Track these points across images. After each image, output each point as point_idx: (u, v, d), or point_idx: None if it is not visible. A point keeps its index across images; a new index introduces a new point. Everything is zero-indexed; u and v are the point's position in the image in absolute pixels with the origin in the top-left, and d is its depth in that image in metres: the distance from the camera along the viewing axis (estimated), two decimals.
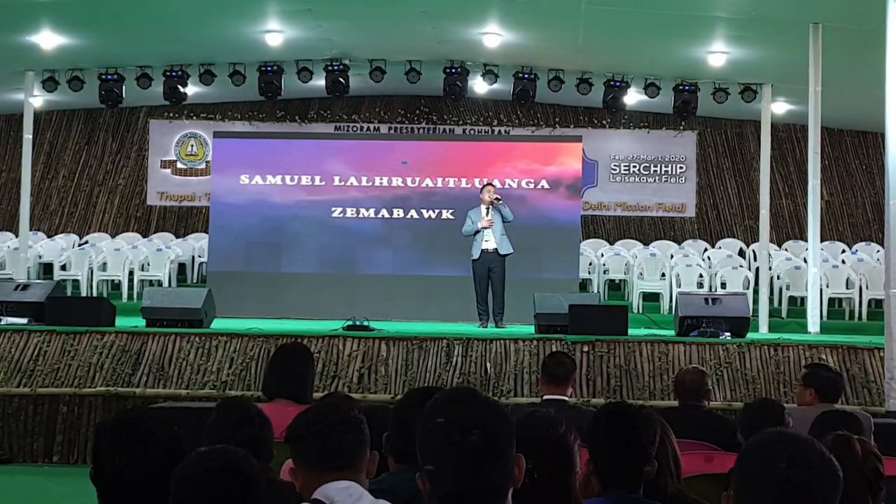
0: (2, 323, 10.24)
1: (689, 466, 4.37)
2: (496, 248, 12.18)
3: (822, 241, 14.04)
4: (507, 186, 14.83)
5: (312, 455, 2.95)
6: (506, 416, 2.23)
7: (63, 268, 15.83)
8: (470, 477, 2.14)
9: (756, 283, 14.78)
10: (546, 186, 15.22)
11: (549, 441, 2.73)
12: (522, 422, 2.76)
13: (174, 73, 15.82)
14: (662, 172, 18.62)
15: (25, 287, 11.12)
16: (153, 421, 2.95)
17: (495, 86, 16.47)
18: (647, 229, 18.40)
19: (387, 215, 15.34)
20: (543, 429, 2.75)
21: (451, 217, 14.91)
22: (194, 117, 18.63)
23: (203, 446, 2.75)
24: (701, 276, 15.29)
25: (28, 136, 15.55)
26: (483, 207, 12.29)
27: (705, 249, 17.13)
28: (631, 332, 10.24)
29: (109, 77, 15.74)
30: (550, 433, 2.75)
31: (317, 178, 15.44)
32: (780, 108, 16.81)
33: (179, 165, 18.80)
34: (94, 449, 2.87)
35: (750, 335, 10.49)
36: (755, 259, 16.22)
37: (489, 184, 12.84)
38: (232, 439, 3.34)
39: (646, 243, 17.37)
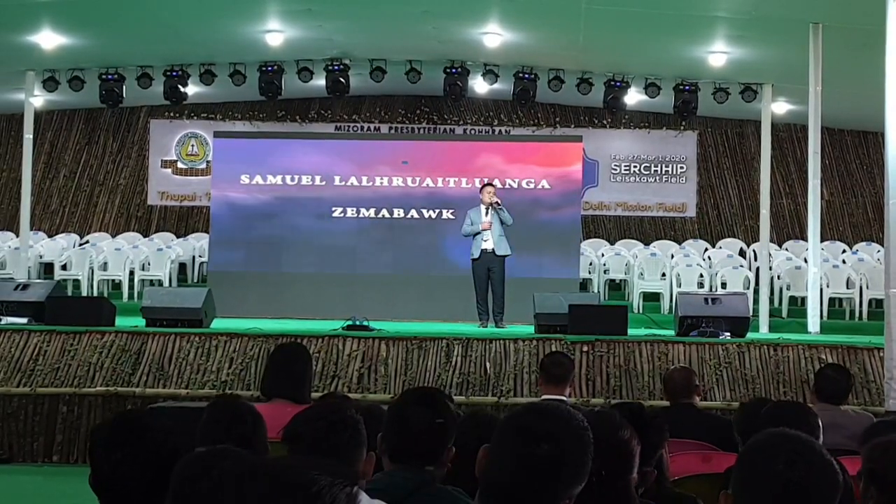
0: (2, 322, 10.25)
1: (686, 466, 4.38)
2: (494, 249, 12.18)
3: (822, 240, 14.05)
4: (507, 186, 14.83)
5: (309, 454, 2.96)
6: (585, 441, 2.25)
7: (63, 267, 15.84)
8: (523, 484, 2.18)
9: (756, 283, 14.77)
10: (546, 186, 15.22)
11: (615, 443, 2.72)
12: (588, 421, 2.77)
13: (175, 73, 15.83)
14: (663, 172, 18.62)
15: (26, 287, 11.12)
16: (147, 416, 2.96)
17: (496, 86, 16.47)
18: (647, 229, 18.41)
19: (387, 215, 15.34)
20: (610, 430, 2.73)
21: (451, 217, 14.92)
22: (195, 117, 18.64)
23: (197, 446, 2.76)
24: (701, 275, 15.28)
25: (29, 136, 15.56)
26: (483, 207, 12.28)
27: (706, 249, 17.13)
28: (631, 331, 10.24)
29: (110, 77, 15.75)
30: (617, 435, 2.74)
31: (317, 178, 15.44)
32: (781, 107, 16.81)
33: (180, 165, 18.81)
34: (91, 451, 2.87)
35: (750, 335, 10.49)
36: (755, 259, 16.22)
37: (489, 184, 12.83)
38: (225, 439, 3.34)
39: (646, 243, 17.37)
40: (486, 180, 13.46)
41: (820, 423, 4.19)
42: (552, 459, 2.18)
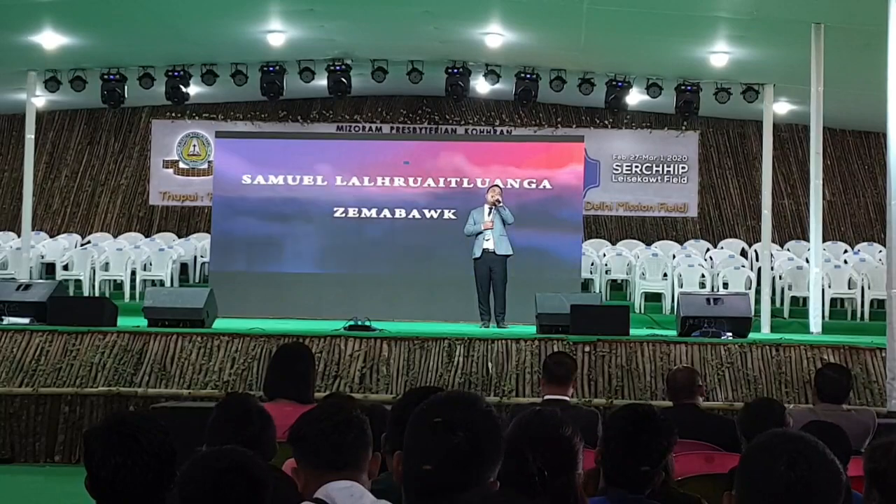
0: (4, 323, 10.26)
1: (690, 467, 4.38)
2: (494, 249, 12.19)
3: (824, 241, 14.05)
4: (509, 186, 14.81)
5: (314, 454, 2.96)
6: (495, 422, 2.27)
7: (65, 268, 15.84)
8: (447, 476, 2.21)
9: (758, 284, 14.77)
10: (548, 186, 15.21)
11: (556, 440, 2.75)
12: (529, 420, 2.79)
13: (176, 73, 15.83)
14: (664, 172, 18.62)
15: (27, 287, 11.13)
16: (140, 418, 2.96)
17: (497, 86, 16.47)
18: (649, 229, 18.40)
19: (389, 215, 15.33)
20: (551, 428, 2.77)
21: (452, 217, 14.91)
22: (196, 117, 18.64)
23: (205, 445, 2.76)
24: (703, 276, 15.28)
25: (30, 136, 15.56)
26: (486, 207, 12.30)
27: (707, 249, 17.12)
28: (632, 332, 10.25)
29: (111, 77, 15.76)
30: (557, 433, 2.76)
31: (319, 178, 15.44)
32: (782, 108, 16.80)
33: (182, 165, 18.81)
34: (87, 456, 2.86)
35: (752, 335, 10.49)
36: (757, 259, 16.21)
37: (495, 185, 12.85)
38: (233, 438, 3.34)
39: (648, 243, 17.36)
40: (489, 181, 13.46)
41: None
42: (471, 445, 2.21)
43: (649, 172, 18.61)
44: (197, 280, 16.61)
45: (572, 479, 2.76)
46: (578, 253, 15.17)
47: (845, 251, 16.88)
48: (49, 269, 16.39)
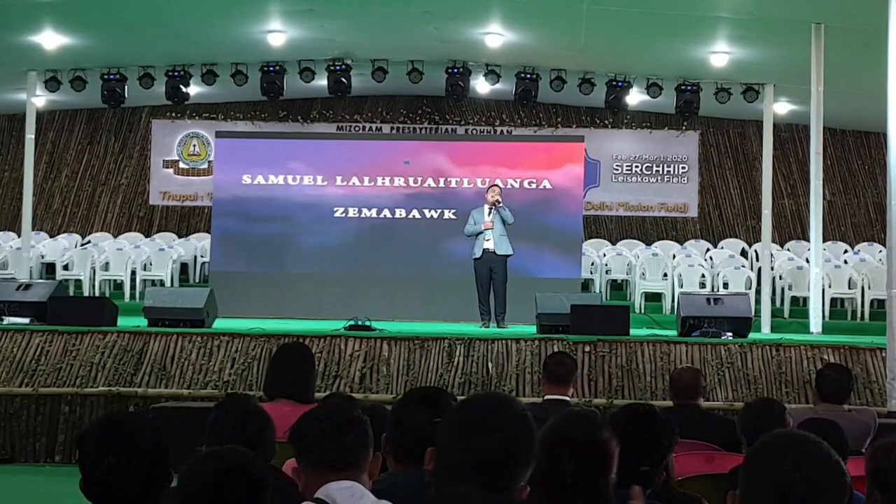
0: (4, 323, 10.26)
1: (690, 467, 4.38)
2: (495, 249, 12.19)
3: (824, 241, 14.06)
4: (509, 186, 14.80)
5: (315, 454, 2.96)
6: (530, 425, 2.25)
7: (65, 267, 15.83)
8: (479, 477, 2.19)
9: (758, 284, 14.77)
10: (548, 186, 15.21)
11: (592, 443, 2.70)
12: (569, 420, 2.76)
13: (176, 73, 15.83)
14: (664, 172, 18.61)
15: (28, 287, 11.12)
16: (133, 418, 2.96)
17: (497, 86, 16.47)
18: (649, 229, 18.40)
19: (389, 215, 15.33)
20: (591, 431, 2.72)
21: (453, 217, 14.91)
22: (197, 117, 18.64)
23: (204, 446, 2.76)
24: (703, 276, 15.27)
25: (30, 136, 15.56)
26: (486, 207, 12.29)
27: (707, 249, 17.12)
28: (633, 332, 10.25)
29: (112, 77, 15.76)
30: (597, 437, 2.71)
31: (319, 178, 15.44)
32: (783, 108, 16.80)
33: (182, 165, 18.81)
34: (81, 457, 2.86)
35: (752, 335, 10.48)
36: (757, 259, 16.21)
37: (495, 184, 12.84)
38: (232, 439, 3.34)
39: (648, 243, 17.36)
40: (489, 181, 13.45)
41: (848, 441, 4.17)
42: (505, 448, 2.21)
43: (649, 172, 18.61)
44: (197, 280, 16.61)
45: (606, 482, 2.73)
46: (579, 253, 15.17)
47: (845, 251, 16.88)
48: (49, 268, 16.40)
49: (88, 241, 17.29)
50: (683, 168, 18.62)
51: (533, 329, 10.68)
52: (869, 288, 14.75)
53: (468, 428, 2.22)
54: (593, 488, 2.68)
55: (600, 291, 14.77)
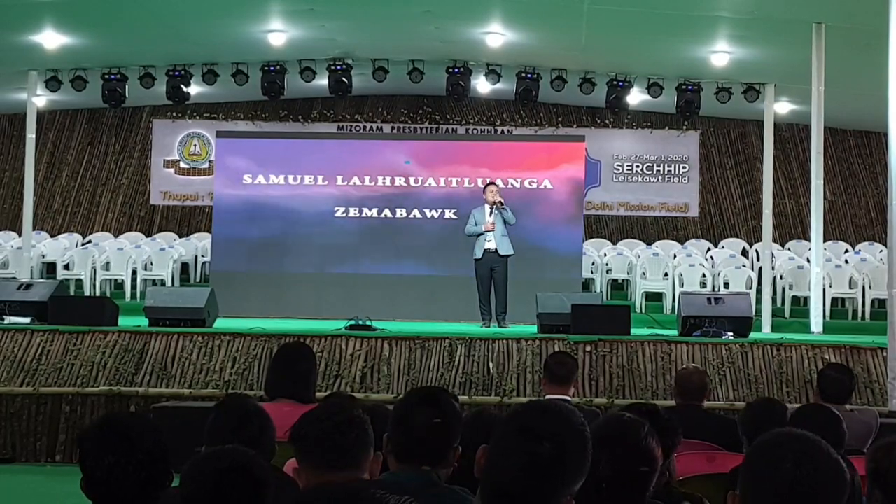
0: (5, 322, 10.26)
1: (692, 466, 4.38)
2: (496, 249, 12.18)
3: (825, 240, 14.05)
4: (509, 186, 14.80)
5: (316, 454, 2.96)
6: (585, 439, 2.25)
7: (66, 267, 15.84)
8: (525, 483, 2.19)
9: (759, 283, 14.77)
10: (549, 186, 15.20)
11: (642, 451, 2.71)
12: (610, 423, 2.76)
13: (177, 73, 15.83)
14: (665, 172, 18.61)
15: (28, 286, 11.13)
16: (132, 418, 2.96)
17: (498, 85, 16.47)
18: (649, 229, 18.40)
19: (389, 215, 15.33)
20: (638, 438, 2.72)
21: (453, 217, 14.91)
22: (197, 117, 18.64)
23: (203, 447, 2.76)
24: (704, 275, 15.27)
25: (31, 136, 15.56)
26: (486, 207, 12.28)
27: (708, 249, 17.12)
28: (633, 331, 10.25)
29: (112, 77, 15.76)
30: (644, 444, 2.72)
31: (320, 178, 15.43)
32: (783, 107, 16.80)
33: (182, 165, 18.81)
34: (81, 457, 2.87)
35: (753, 335, 10.48)
36: (758, 259, 16.20)
37: (492, 183, 12.82)
38: (232, 439, 3.34)
39: (648, 243, 17.36)
40: (488, 179, 13.45)
41: (846, 429, 4.18)
42: (555, 458, 2.19)
43: (650, 172, 18.60)
44: (198, 280, 16.62)
45: (644, 489, 2.73)
46: (579, 253, 15.16)
47: (846, 251, 16.89)
48: (50, 268, 16.40)
49: (89, 241, 17.29)
50: (684, 168, 18.62)
51: (534, 329, 10.68)
52: (870, 287, 14.75)
53: (523, 433, 2.21)
54: (640, 492, 2.68)
55: (601, 291, 14.76)
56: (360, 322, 10.62)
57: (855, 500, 2.92)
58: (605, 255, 16.26)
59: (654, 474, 2.74)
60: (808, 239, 15.09)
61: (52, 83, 15.78)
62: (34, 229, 16.34)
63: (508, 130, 18.44)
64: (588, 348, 9.62)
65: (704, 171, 18.64)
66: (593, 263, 15.80)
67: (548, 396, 5.92)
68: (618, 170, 18.61)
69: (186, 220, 18.59)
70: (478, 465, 2.30)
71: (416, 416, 3.16)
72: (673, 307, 13.93)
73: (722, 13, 12.98)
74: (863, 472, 3.02)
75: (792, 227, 18.13)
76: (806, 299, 14.04)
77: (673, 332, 10.80)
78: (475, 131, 18.44)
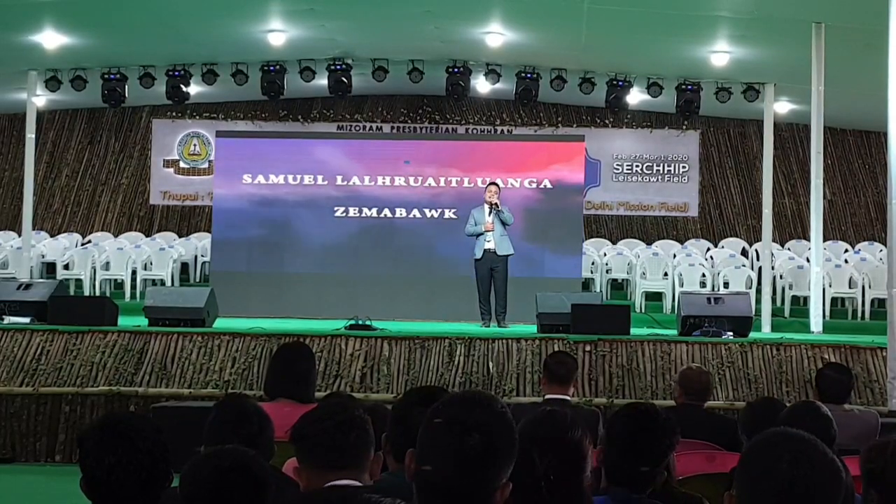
0: (4, 322, 10.25)
1: (691, 466, 4.38)
2: (496, 249, 12.19)
3: (824, 240, 14.05)
4: (509, 186, 14.80)
5: (316, 454, 2.96)
6: (510, 423, 2.25)
7: (66, 267, 15.84)
8: (461, 477, 2.18)
9: (759, 283, 14.77)
10: (549, 186, 15.19)
11: (564, 443, 2.72)
12: (538, 421, 2.76)
13: (177, 73, 15.83)
14: (665, 172, 18.61)
15: (28, 286, 11.12)
16: (133, 418, 2.96)
17: (498, 85, 16.47)
18: (649, 229, 18.40)
19: (389, 215, 15.32)
20: (561, 431, 2.73)
21: (453, 216, 14.90)
22: (197, 117, 18.64)
23: (203, 447, 2.76)
24: (703, 275, 15.28)
25: (31, 136, 15.55)
26: (486, 206, 12.29)
27: (708, 249, 17.12)
28: (633, 331, 10.25)
29: (112, 76, 15.76)
30: (566, 436, 2.73)
31: (319, 178, 15.43)
32: (783, 107, 16.80)
33: (182, 165, 18.81)
34: (82, 456, 2.87)
35: (752, 335, 10.48)
36: (758, 258, 16.21)
37: (493, 183, 12.83)
38: (231, 439, 3.34)
39: (648, 243, 17.37)
40: (489, 180, 13.45)
41: (835, 425, 4.18)
42: (486, 447, 2.18)
43: (650, 172, 18.61)
44: (197, 279, 16.62)
45: (580, 482, 2.74)
46: (579, 252, 15.16)
47: (846, 250, 16.89)
48: (50, 268, 16.40)
49: (89, 241, 17.29)
50: (684, 167, 18.62)
51: (533, 328, 10.68)
52: (869, 287, 14.76)
53: (448, 428, 2.20)
54: (567, 488, 2.68)
55: (601, 291, 14.76)
56: (360, 322, 10.62)
57: (848, 500, 2.91)
58: (605, 254, 16.27)
59: (587, 463, 2.75)
60: (807, 239, 15.08)
61: (52, 83, 15.78)
62: (34, 229, 16.34)
63: (508, 130, 18.44)
64: (588, 348, 9.62)
65: (704, 170, 18.64)
66: (593, 263, 15.80)
67: (547, 396, 5.93)
68: (617, 169, 18.62)
69: (186, 219, 18.59)
70: (408, 470, 2.30)
71: (415, 415, 3.16)
72: (673, 307, 13.93)
73: (722, 13, 12.98)
74: (856, 471, 3.02)
75: (792, 227, 18.13)
76: (806, 299, 14.04)
77: (673, 332, 10.80)
78: (475, 131, 18.44)
